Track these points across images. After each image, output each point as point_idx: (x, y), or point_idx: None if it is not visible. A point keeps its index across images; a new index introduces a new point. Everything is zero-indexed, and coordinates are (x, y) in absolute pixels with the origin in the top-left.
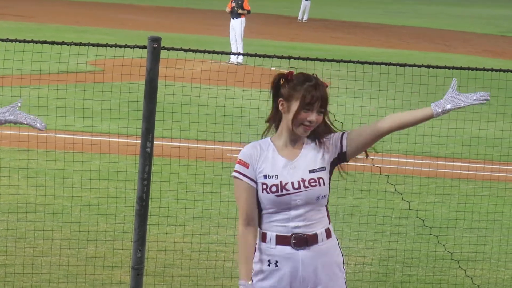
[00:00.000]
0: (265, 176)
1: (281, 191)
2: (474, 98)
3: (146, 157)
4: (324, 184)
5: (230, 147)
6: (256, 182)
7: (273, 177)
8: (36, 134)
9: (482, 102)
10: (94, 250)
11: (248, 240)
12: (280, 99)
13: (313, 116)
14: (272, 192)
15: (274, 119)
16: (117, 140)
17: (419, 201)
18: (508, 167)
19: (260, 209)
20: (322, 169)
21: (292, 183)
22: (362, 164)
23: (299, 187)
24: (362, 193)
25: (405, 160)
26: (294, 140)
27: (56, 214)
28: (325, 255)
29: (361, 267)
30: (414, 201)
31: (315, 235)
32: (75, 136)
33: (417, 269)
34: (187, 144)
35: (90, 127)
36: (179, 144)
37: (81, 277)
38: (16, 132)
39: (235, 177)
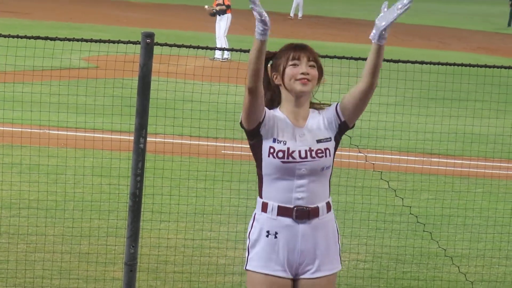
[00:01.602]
0: (274, 140)
1: (287, 158)
2: (399, 7)
3: (139, 153)
4: (330, 155)
5: (223, 144)
6: (264, 117)
7: (282, 142)
8: (30, 130)
9: (406, 7)
10: (88, 246)
11: None
12: (273, 73)
13: (303, 68)
14: (278, 158)
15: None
16: (110, 136)
17: (412, 197)
18: (502, 164)
19: (261, 176)
20: (328, 139)
21: (299, 151)
22: (356, 161)
23: (306, 157)
24: (356, 190)
25: (398, 157)
26: (299, 111)
27: (49, 210)
28: (324, 229)
29: (355, 264)
30: (408, 198)
31: (317, 208)
32: (68, 133)
33: (411, 265)
34: (181, 141)
35: (83, 123)
36: (172, 140)
37: (74, 273)
38: (9, 128)
39: None
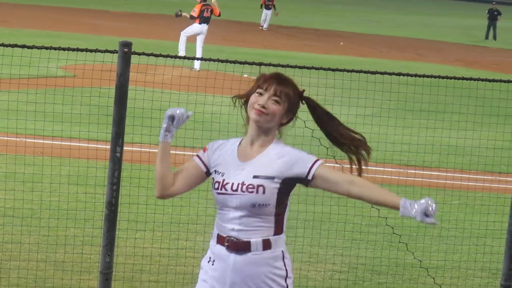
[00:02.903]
0: (215, 171)
1: (221, 189)
2: (424, 218)
3: (116, 161)
4: (263, 193)
5: None
6: (206, 167)
7: (220, 173)
8: (6, 138)
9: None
10: (63, 255)
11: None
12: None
13: (263, 100)
14: (215, 189)
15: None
16: (87, 145)
17: (388, 209)
18: (478, 176)
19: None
20: (270, 178)
21: (232, 184)
22: None
23: (236, 190)
24: (332, 200)
25: (375, 168)
26: (259, 142)
27: (25, 219)
28: (257, 266)
29: (330, 275)
30: (384, 209)
31: (248, 243)
32: (45, 141)
33: (386, 276)
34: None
35: (60, 132)
36: (149, 149)
37: (50, 281)
38: None
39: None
